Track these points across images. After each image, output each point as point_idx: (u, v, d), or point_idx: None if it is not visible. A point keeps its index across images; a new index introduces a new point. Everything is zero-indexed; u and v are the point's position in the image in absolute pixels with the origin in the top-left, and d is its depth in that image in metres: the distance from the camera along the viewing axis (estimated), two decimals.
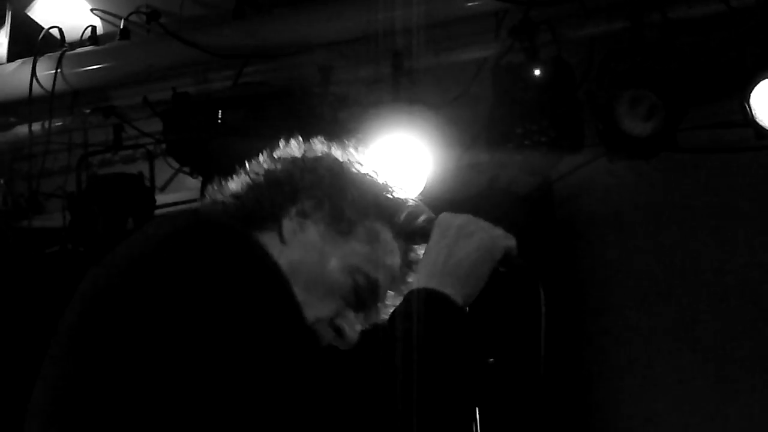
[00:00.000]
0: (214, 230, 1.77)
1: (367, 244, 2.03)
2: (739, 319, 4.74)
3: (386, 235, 2.06)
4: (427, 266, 1.89)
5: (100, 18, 5.15)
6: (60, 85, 4.99)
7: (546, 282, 1.90)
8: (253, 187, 2.04)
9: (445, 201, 2.09)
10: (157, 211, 4.95)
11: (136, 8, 4.96)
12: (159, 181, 5.07)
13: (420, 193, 4.27)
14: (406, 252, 2.09)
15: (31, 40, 5.08)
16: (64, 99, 5.09)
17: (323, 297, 1.95)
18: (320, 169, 2.06)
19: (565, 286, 4.62)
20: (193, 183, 4.98)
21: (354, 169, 2.09)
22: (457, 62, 4.71)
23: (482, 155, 4.51)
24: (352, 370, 1.68)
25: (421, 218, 2.04)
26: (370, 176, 2.10)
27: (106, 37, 5.13)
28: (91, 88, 5.10)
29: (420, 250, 2.07)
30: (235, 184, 2.07)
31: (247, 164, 2.12)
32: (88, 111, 5.19)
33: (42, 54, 5.03)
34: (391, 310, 2.00)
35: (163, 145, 5.01)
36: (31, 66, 5.01)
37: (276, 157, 2.10)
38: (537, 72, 4.37)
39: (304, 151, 2.11)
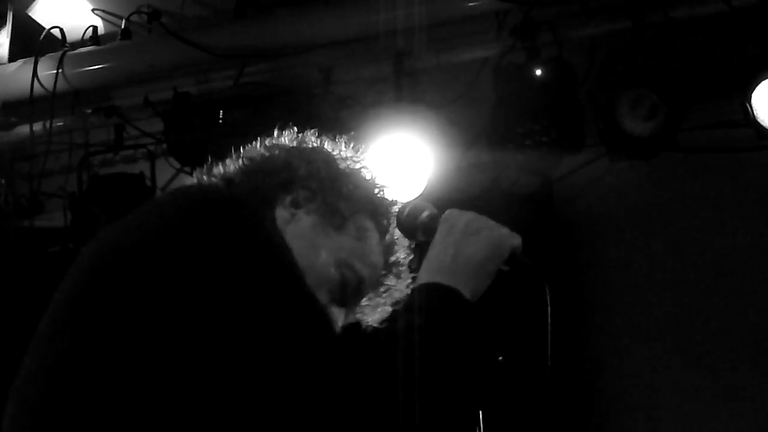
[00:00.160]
0: (224, 207, 1.76)
1: (357, 240, 2.05)
2: (741, 318, 4.74)
3: (373, 233, 2.08)
4: (435, 261, 1.89)
5: (101, 18, 5.15)
6: (61, 85, 4.99)
7: (547, 281, 1.90)
8: (248, 173, 2.04)
9: (447, 201, 2.09)
10: None
11: (137, 8, 4.96)
12: (160, 181, 5.07)
13: (421, 193, 4.28)
14: (387, 254, 2.10)
15: (32, 40, 5.08)
16: (65, 99, 5.09)
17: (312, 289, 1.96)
18: (316, 161, 2.07)
19: (566, 286, 4.62)
20: None
21: (347, 165, 2.10)
22: (459, 62, 4.72)
23: (483, 155, 4.51)
24: (359, 362, 1.66)
25: (425, 214, 2.04)
26: (362, 173, 2.11)
27: (107, 37, 5.14)
28: (93, 88, 5.11)
29: (401, 254, 2.10)
30: (229, 169, 2.07)
31: (242, 151, 2.12)
32: (89, 111, 5.20)
33: (43, 54, 5.04)
34: (369, 313, 2.02)
35: (164, 145, 5.01)
36: (32, 66, 5.02)
37: (272, 145, 2.11)
38: (538, 72, 4.37)
39: (300, 142, 2.12)
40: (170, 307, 1.60)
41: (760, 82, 4.14)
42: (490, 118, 4.46)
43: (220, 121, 4.61)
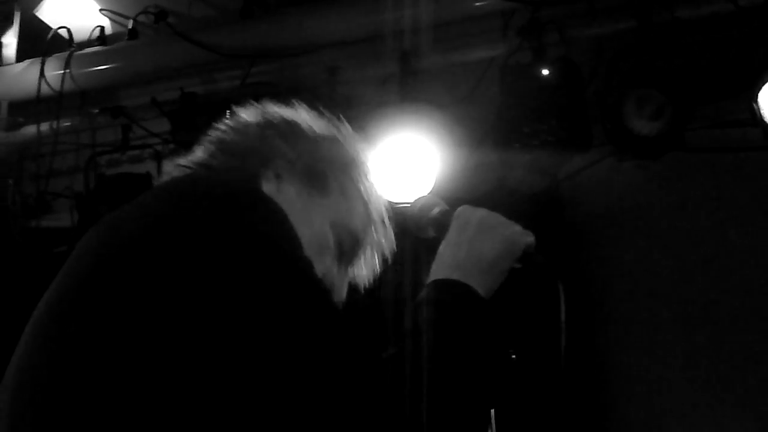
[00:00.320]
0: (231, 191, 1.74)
1: (343, 198, 2.04)
2: (751, 317, 4.74)
3: (355, 188, 2.07)
4: (449, 258, 1.88)
5: (109, 18, 5.17)
6: (68, 85, 5.01)
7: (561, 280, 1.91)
8: (227, 153, 2.01)
9: (454, 200, 2.09)
10: None
11: (144, 8, 4.97)
12: None
13: (430, 192, 4.28)
14: (371, 206, 2.10)
15: (39, 41, 5.10)
16: (72, 99, 5.11)
17: (314, 257, 1.94)
18: (288, 129, 2.05)
19: (573, 286, 4.61)
20: None
21: (320, 126, 2.09)
22: (465, 62, 4.72)
23: (490, 155, 4.50)
24: (372, 357, 1.65)
25: (436, 210, 2.04)
26: (335, 132, 2.11)
27: (115, 37, 5.15)
28: (100, 89, 5.12)
29: (382, 206, 2.11)
30: (202, 155, 2.03)
31: (209, 136, 2.08)
32: (96, 111, 5.21)
33: (50, 54, 5.05)
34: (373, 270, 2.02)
35: (171, 145, 5.02)
36: (39, 66, 5.04)
37: (240, 123, 2.08)
38: (545, 72, 4.37)
39: (268, 115, 2.09)
40: (173, 299, 1.56)
41: (766, 82, 4.13)
42: (497, 118, 4.46)
43: None
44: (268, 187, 1.95)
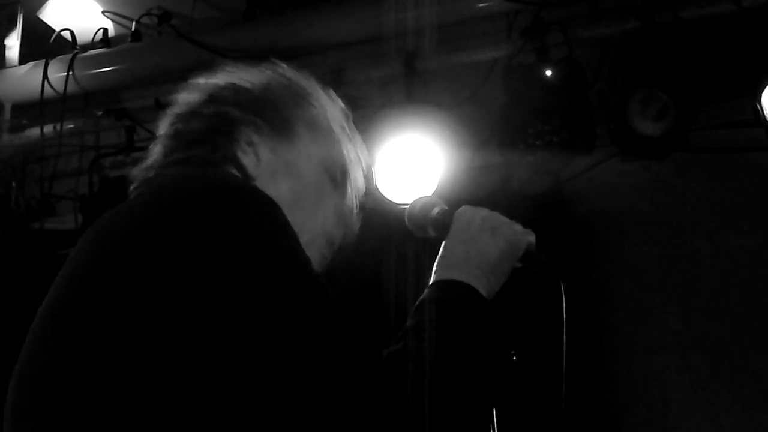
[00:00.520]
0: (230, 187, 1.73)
1: (314, 131, 2.04)
2: (756, 318, 4.73)
3: (323, 115, 2.07)
4: (451, 257, 1.88)
5: (112, 20, 5.17)
6: (72, 87, 5.00)
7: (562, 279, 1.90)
8: (193, 144, 1.97)
9: (457, 201, 2.09)
10: None
11: (148, 10, 4.97)
12: None
13: (433, 193, 4.28)
14: (332, 123, 2.10)
15: (42, 43, 5.10)
16: (75, 101, 5.11)
17: (314, 206, 1.95)
18: (236, 94, 2.03)
19: (577, 286, 4.60)
20: None
21: (255, 80, 2.08)
22: (469, 63, 4.71)
23: (494, 156, 4.50)
24: (374, 355, 1.64)
25: (436, 210, 2.04)
26: (268, 78, 2.10)
27: (118, 39, 5.15)
28: (103, 91, 5.12)
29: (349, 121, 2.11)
30: (168, 151, 2.00)
31: (162, 129, 2.05)
32: (99, 113, 5.20)
33: (54, 56, 5.05)
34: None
35: None
36: (42, 68, 5.03)
37: (186, 107, 2.05)
38: (548, 72, 4.37)
39: (207, 89, 2.07)
40: (168, 296, 1.55)
41: None
42: (501, 119, 4.46)
43: None
44: (247, 160, 1.94)
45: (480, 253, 1.86)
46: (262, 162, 1.94)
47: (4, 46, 5.27)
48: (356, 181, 2.12)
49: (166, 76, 4.95)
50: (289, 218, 1.74)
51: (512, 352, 1.89)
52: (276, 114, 2.01)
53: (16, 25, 5.19)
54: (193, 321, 1.53)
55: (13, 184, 5.30)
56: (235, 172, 1.93)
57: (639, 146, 4.33)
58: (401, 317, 1.79)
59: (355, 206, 2.12)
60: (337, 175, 2.04)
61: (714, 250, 4.85)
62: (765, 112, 4.14)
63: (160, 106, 4.94)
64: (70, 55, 5.04)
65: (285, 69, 2.13)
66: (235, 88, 2.05)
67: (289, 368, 1.54)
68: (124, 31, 5.13)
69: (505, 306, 1.86)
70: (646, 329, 4.90)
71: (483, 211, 1.94)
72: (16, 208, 5.23)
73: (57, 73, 5.02)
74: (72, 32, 5.11)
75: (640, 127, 4.26)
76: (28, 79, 5.10)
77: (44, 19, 5.17)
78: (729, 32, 4.43)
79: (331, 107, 2.12)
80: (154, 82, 4.99)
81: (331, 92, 2.17)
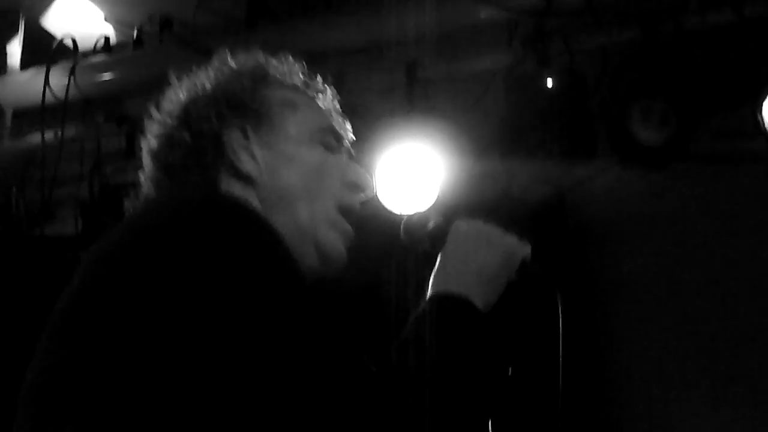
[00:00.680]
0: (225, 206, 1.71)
1: (289, 106, 2.01)
2: (753, 326, 4.73)
3: (284, 83, 2.05)
4: (446, 271, 1.87)
5: (113, 27, 5.16)
6: (73, 93, 5.01)
7: (559, 291, 1.90)
8: (186, 159, 1.96)
9: (458, 210, 2.08)
10: None
11: (149, 17, 4.97)
12: None
13: (433, 203, 4.27)
14: (308, 93, 2.08)
15: (44, 49, 5.10)
16: (77, 107, 5.10)
17: (321, 188, 1.94)
18: (206, 101, 2.01)
19: (578, 296, 4.61)
20: None
21: (219, 78, 2.06)
22: (470, 72, 4.71)
23: (495, 164, 4.50)
24: (367, 370, 1.64)
25: (431, 223, 2.04)
26: (230, 71, 2.07)
27: (119, 46, 5.15)
28: (104, 97, 5.12)
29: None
30: (152, 167, 2.01)
31: (143, 143, 2.06)
32: (100, 119, 5.20)
33: (55, 62, 5.05)
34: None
35: None
36: (44, 74, 5.03)
37: (168, 127, 2.04)
38: (550, 82, 4.37)
39: (180, 100, 2.06)
40: (166, 308, 1.55)
41: None
42: (502, 128, 4.46)
43: None
44: (245, 166, 1.92)
45: (476, 266, 1.85)
46: (260, 162, 1.92)
47: (6, 52, 5.28)
48: (348, 134, 2.11)
49: (168, 83, 4.95)
50: (301, 205, 1.81)
51: (509, 366, 1.88)
52: (247, 107, 1.98)
53: (17, 31, 5.20)
54: (156, 353, 1.53)
55: (14, 189, 5.30)
56: (237, 182, 1.91)
57: (640, 155, 4.33)
58: (399, 326, 1.79)
59: (356, 160, 2.10)
60: (330, 141, 2.02)
61: (714, 259, 4.85)
62: (766, 122, 4.14)
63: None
64: (72, 61, 5.04)
65: (242, 55, 2.10)
66: (196, 99, 2.02)
67: (274, 379, 1.53)
68: (125, 37, 5.13)
69: (502, 319, 1.85)
70: (646, 337, 4.90)
71: (479, 224, 1.93)
72: (17, 213, 5.23)
73: (58, 79, 5.02)
74: (73, 39, 5.12)
75: (641, 137, 4.26)
76: (29, 85, 5.11)
77: (46, 26, 5.18)
78: (730, 42, 4.43)
79: (286, 70, 2.09)
80: (156, 89, 4.99)
81: (278, 56, 2.12)
